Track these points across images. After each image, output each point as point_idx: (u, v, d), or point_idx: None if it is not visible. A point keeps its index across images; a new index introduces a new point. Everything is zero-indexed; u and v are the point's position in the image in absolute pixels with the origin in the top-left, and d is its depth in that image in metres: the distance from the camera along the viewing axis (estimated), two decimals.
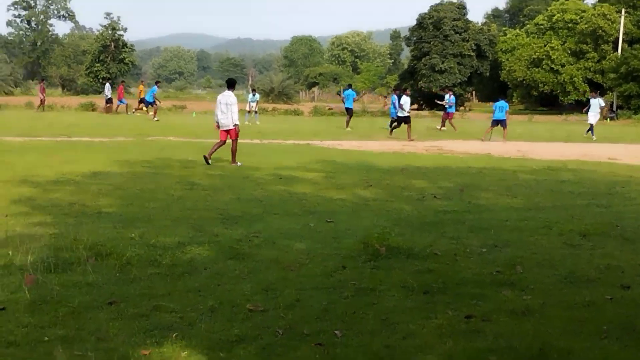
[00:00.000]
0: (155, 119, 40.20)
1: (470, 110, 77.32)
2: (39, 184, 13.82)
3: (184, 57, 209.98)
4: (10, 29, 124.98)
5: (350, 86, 43.13)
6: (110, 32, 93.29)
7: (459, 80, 79.59)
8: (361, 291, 7.09)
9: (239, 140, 19.09)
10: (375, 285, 7.26)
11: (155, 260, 7.96)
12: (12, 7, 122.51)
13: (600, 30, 71.86)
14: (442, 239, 9.76)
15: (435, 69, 79.48)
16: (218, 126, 19.06)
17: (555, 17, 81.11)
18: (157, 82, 47.13)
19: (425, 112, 64.47)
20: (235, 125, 18.82)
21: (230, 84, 19.59)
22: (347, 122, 37.25)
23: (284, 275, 7.59)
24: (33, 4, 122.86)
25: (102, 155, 19.39)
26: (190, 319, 6.10)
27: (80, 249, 8.15)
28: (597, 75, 72.05)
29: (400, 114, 31.14)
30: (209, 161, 18.20)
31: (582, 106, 73.68)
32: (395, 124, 32.32)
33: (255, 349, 5.48)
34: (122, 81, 56.09)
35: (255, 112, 40.70)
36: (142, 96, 47.16)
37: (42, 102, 47.15)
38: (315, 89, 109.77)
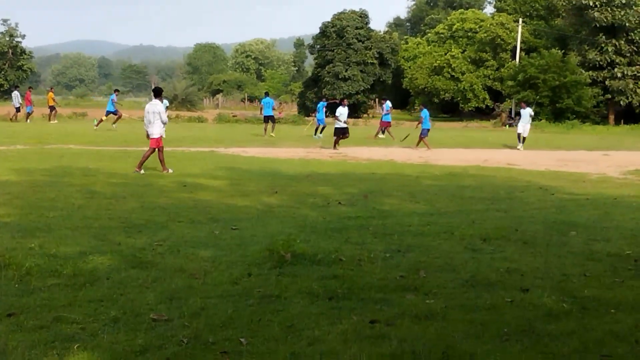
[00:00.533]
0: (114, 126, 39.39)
1: (373, 117, 78.11)
2: None
3: (84, 64, 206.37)
4: None
5: (267, 94, 42.83)
6: (7, 38, 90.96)
7: (362, 88, 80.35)
8: (266, 298, 7.08)
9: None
10: (280, 292, 7.25)
11: (56, 271, 7.77)
12: None
13: (499, 39, 73.70)
14: (346, 244, 9.83)
15: (339, 76, 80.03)
16: (147, 135, 18.94)
17: (455, 26, 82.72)
18: (116, 90, 46.22)
19: (329, 119, 64.77)
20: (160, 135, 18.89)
21: (157, 93, 19.69)
22: (269, 129, 37.31)
23: (188, 284, 7.52)
24: None
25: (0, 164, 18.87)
26: (93, 330, 5.98)
27: None
28: (496, 83, 73.78)
29: (337, 125, 30.06)
30: (142, 171, 18.08)
31: (481, 113, 75.55)
32: (336, 137, 31.01)
33: (159, 358, 5.41)
34: (30, 87, 54.90)
35: None
36: (50, 104, 46.85)
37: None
38: (219, 96, 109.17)
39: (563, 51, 65.67)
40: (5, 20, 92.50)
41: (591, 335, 6.21)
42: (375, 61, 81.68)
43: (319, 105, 37.59)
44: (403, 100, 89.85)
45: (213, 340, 5.81)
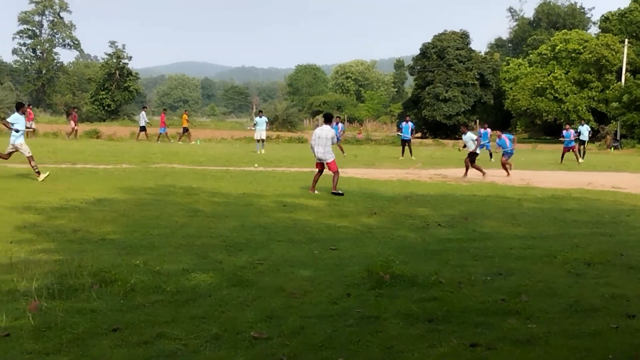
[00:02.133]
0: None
1: None
2: (43, 210, 13.83)
3: (188, 85, 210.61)
4: (16, 57, 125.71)
5: (406, 117, 42.22)
6: (115, 60, 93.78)
7: (463, 109, 79.74)
8: (365, 319, 7.07)
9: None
10: (379, 313, 7.23)
11: (159, 287, 7.94)
12: (17, 36, 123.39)
13: (604, 60, 72.22)
14: (446, 266, 9.74)
15: (439, 97, 79.69)
16: (319, 160, 19.25)
17: (558, 47, 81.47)
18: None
19: (429, 140, 64.57)
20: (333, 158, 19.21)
21: (328, 119, 20.01)
22: (407, 152, 38.09)
23: (287, 303, 7.57)
24: (38, 33, 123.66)
25: (105, 182, 19.41)
26: (194, 346, 6.08)
27: (84, 276, 8.15)
28: (601, 105, 72.30)
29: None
30: (316, 191, 18.78)
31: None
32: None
33: None
34: (164, 109, 56.86)
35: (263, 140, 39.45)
36: (184, 125, 49.22)
37: (74, 130, 47.91)
38: (319, 117, 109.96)
39: None
40: (112, 43, 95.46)
41: None
42: (476, 82, 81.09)
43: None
44: (505, 122, 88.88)
45: None
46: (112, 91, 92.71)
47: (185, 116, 51.69)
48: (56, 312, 6.87)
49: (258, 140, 39.15)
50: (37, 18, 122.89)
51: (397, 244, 11.58)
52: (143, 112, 49.87)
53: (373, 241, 11.78)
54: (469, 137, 27.26)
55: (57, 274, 8.34)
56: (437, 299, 7.89)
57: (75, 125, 47.78)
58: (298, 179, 23.16)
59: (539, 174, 30.00)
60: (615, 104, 65.39)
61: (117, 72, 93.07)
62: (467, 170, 26.97)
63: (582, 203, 18.61)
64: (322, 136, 18.96)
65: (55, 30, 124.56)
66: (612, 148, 60.81)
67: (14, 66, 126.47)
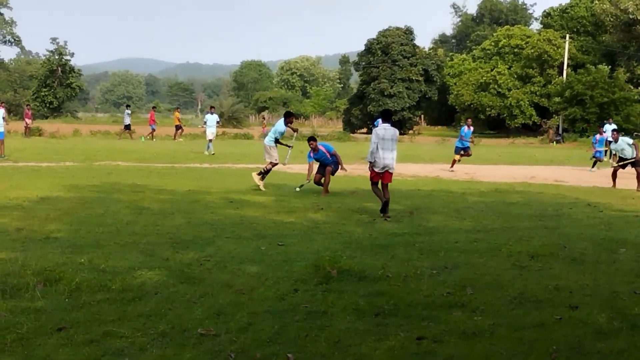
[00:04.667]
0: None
1: (419, 133, 77.98)
2: None
3: (132, 81, 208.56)
4: None
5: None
6: (57, 57, 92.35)
7: (408, 105, 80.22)
8: (313, 314, 7.09)
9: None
10: (327, 308, 7.26)
11: (105, 285, 7.86)
12: None
13: (546, 55, 73.25)
14: (393, 261, 9.81)
15: (384, 93, 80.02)
16: (383, 169, 14.78)
17: (501, 43, 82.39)
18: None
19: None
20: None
21: (388, 116, 15.40)
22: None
23: (235, 299, 7.56)
24: None
25: (49, 180, 19.13)
26: (141, 344, 6.04)
27: (28, 275, 8.05)
28: (543, 99, 73.31)
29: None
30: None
31: (528, 130, 74.97)
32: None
33: None
34: (154, 107, 56.14)
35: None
36: (176, 123, 49.02)
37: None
38: (265, 113, 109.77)
39: (611, 67, 65.08)
40: (54, 39, 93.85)
41: None
42: (420, 78, 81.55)
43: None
44: (449, 117, 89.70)
45: (260, 356, 5.84)
46: (55, 88, 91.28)
47: (177, 114, 51.94)
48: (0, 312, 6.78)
49: (210, 140, 35.65)
50: None
51: (344, 239, 11.62)
52: (127, 111, 49.46)
53: (320, 236, 11.80)
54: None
55: (0, 273, 8.21)
56: (384, 293, 7.95)
57: (30, 122, 47.23)
58: (245, 175, 23.07)
59: (482, 168, 30.34)
60: (557, 99, 66.37)
61: (59, 69, 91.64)
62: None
63: (525, 196, 18.87)
64: (388, 137, 14.73)
65: None
66: (555, 142, 61.74)
67: None
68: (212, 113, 37.55)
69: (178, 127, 48.40)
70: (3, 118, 28.51)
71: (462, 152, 29.10)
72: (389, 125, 14.95)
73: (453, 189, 20.46)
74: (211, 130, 35.97)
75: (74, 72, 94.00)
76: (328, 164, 18.75)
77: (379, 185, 14.94)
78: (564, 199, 18.65)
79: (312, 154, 19.06)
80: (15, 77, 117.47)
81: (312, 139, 19.35)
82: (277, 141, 19.45)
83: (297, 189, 18.80)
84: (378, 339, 6.37)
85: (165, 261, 9.34)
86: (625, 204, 17.95)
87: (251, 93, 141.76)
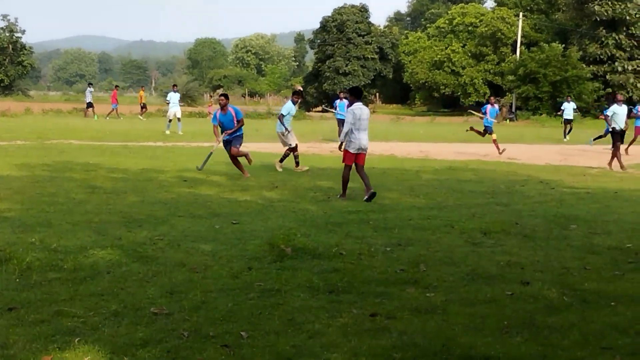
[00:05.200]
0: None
1: (374, 111, 78.10)
2: None
3: (84, 59, 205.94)
4: None
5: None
6: (7, 34, 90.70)
7: (363, 83, 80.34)
8: (267, 292, 7.09)
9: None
10: (281, 286, 7.25)
11: (57, 265, 7.79)
12: None
13: (500, 33, 73.72)
14: (347, 238, 9.83)
15: (339, 71, 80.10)
16: (359, 150, 14.22)
17: (455, 21, 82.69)
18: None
19: (329, 114, 64.77)
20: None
21: (359, 94, 14.56)
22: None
23: (189, 278, 7.53)
24: None
25: (0, 159, 18.85)
26: (94, 324, 5.99)
27: None
28: (497, 77, 73.87)
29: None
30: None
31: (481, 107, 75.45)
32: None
33: (160, 352, 5.42)
34: (116, 86, 55.37)
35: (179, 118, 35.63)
36: (143, 101, 49.21)
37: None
38: (219, 91, 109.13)
39: (564, 45, 65.70)
40: (4, 16, 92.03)
41: (591, 328, 6.23)
42: (375, 56, 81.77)
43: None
44: (404, 95, 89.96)
45: (214, 334, 5.82)
46: (5, 66, 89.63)
47: (142, 92, 52.24)
48: None
49: (170, 120, 34.54)
50: None
51: (299, 216, 11.63)
52: (89, 89, 48.82)
53: (275, 214, 11.79)
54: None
55: None
56: (338, 270, 7.97)
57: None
58: (199, 153, 22.93)
59: (437, 146, 30.51)
60: (510, 77, 66.85)
61: (10, 46, 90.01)
62: None
63: (478, 174, 19.03)
64: (364, 117, 14.06)
65: None
66: (508, 120, 62.26)
67: None
68: (175, 91, 36.53)
69: (143, 106, 48.05)
70: None
71: (484, 130, 28.40)
72: (361, 104, 14.24)
73: (407, 166, 20.55)
74: (174, 110, 34.81)
75: (25, 49, 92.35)
76: (229, 129, 17.05)
77: (352, 168, 14.18)
78: (516, 176, 18.85)
79: (218, 114, 17.18)
80: None
81: (224, 95, 17.72)
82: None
83: (200, 167, 17.75)
84: (331, 316, 6.38)
85: (118, 240, 9.27)
86: (577, 181, 18.18)
87: (205, 71, 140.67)
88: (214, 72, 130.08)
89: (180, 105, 35.65)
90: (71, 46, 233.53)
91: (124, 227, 10.27)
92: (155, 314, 6.28)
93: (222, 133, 17.18)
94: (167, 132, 33.53)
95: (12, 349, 5.36)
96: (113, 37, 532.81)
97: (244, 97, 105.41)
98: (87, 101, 48.07)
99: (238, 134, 17.29)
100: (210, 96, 79.35)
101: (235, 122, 17.07)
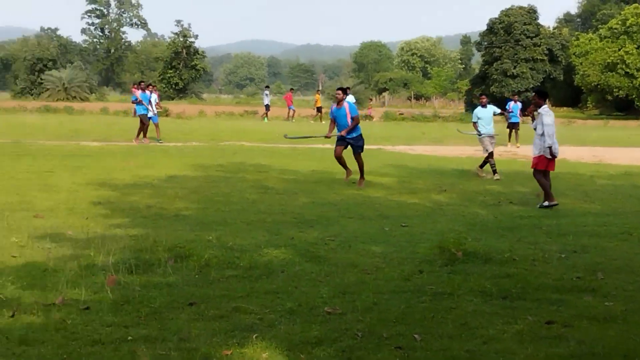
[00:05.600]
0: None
1: None
2: (117, 187, 14.08)
3: (254, 63, 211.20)
4: (85, 37, 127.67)
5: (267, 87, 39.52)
6: (181, 39, 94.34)
7: (532, 85, 78.51)
8: (439, 295, 7.04)
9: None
10: (453, 290, 7.19)
11: (233, 263, 8.02)
12: (86, 16, 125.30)
13: None
14: (519, 244, 9.64)
15: (507, 73, 78.57)
16: (553, 156, 13.61)
17: (629, 21, 79.44)
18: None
19: (497, 117, 63.74)
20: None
21: (546, 96, 14.77)
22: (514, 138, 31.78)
23: (360, 279, 7.58)
24: (106, 12, 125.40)
25: (177, 160, 19.66)
26: (270, 321, 6.14)
27: (159, 251, 8.28)
28: None
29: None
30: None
31: None
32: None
33: (334, 351, 5.48)
34: (291, 89, 57.08)
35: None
36: (318, 105, 49.40)
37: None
38: (385, 94, 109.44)
39: None
40: (179, 22, 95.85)
41: None
42: (545, 58, 79.65)
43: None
44: (575, 98, 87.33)
45: (387, 335, 5.84)
46: (180, 70, 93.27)
47: (317, 96, 52.37)
48: (134, 286, 7.00)
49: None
50: None
51: (469, 220, 11.51)
52: (267, 91, 50.42)
53: (444, 218, 11.73)
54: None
55: (133, 249, 8.50)
56: (511, 276, 7.82)
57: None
58: (366, 156, 23.05)
59: (611, 150, 29.44)
60: None
61: (184, 50, 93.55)
62: None
63: None
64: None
65: (122, 10, 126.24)
66: None
67: (83, 45, 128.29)
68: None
69: (319, 109, 48.67)
70: (157, 102, 28.34)
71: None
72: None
73: (580, 171, 19.94)
74: None
75: (198, 53, 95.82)
76: (341, 126, 16.06)
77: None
78: None
79: (332, 109, 16.38)
80: (142, 59, 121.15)
81: (341, 89, 16.62)
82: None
83: (289, 136, 18.70)
84: (506, 322, 6.27)
85: (291, 240, 9.45)
86: None
87: (371, 74, 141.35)
88: (379, 75, 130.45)
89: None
90: (241, 50, 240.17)
91: (296, 227, 10.47)
92: (329, 314, 6.37)
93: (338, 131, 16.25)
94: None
95: (194, 343, 5.56)
96: (281, 41, 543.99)
97: (410, 100, 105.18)
98: (265, 103, 49.23)
99: (356, 135, 16.16)
100: (370, 100, 79.35)
101: (349, 119, 16.00)
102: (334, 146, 16.43)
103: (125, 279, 7.21)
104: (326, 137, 16.99)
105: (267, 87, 53.76)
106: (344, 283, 7.41)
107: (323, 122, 46.59)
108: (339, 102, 16.06)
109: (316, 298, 6.84)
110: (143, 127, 25.92)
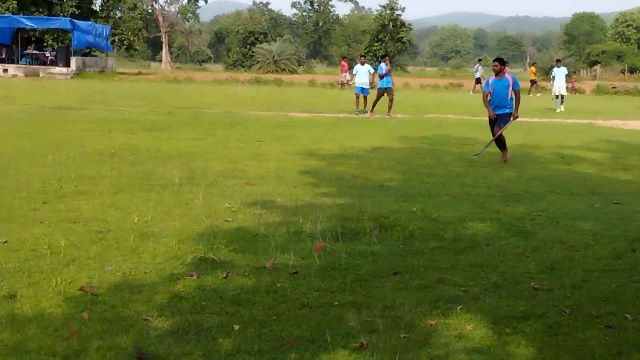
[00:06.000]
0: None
1: None
2: (324, 157, 14.39)
3: (460, 35, 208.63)
4: (295, 11, 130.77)
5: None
6: (388, 12, 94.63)
7: None
8: None
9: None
10: None
11: (437, 234, 8.02)
12: None
13: None
14: None
15: None
16: None
17: None
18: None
19: None
20: None
21: None
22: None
23: (568, 255, 7.39)
24: None
25: (382, 131, 19.84)
26: (474, 293, 6.10)
27: (364, 220, 8.39)
28: None
29: None
30: None
31: None
32: None
33: (541, 326, 5.38)
34: (534, 63, 56.58)
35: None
36: (532, 78, 48.30)
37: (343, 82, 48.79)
38: (597, 67, 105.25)
39: None
40: None
41: None
42: None
43: None
44: None
45: (596, 314, 5.67)
46: (386, 42, 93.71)
47: (532, 69, 50.83)
48: (340, 253, 7.15)
49: (557, 96, 33.00)
50: None
51: None
52: (478, 65, 50.16)
53: None
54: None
55: (339, 217, 8.65)
56: None
57: (345, 75, 48.61)
58: (576, 130, 22.40)
59: None
60: None
61: (391, 23, 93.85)
62: None
63: None
64: None
65: None
66: None
67: (292, 19, 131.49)
68: (558, 67, 35.04)
69: (533, 82, 47.50)
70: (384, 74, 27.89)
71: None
72: None
73: None
74: (559, 85, 33.39)
75: (405, 26, 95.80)
76: (501, 101, 14.53)
77: None
78: None
79: (490, 81, 14.71)
80: (349, 32, 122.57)
81: (499, 59, 14.83)
82: None
83: (477, 153, 15.12)
84: None
85: (496, 214, 9.32)
86: None
87: (583, 46, 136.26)
88: (591, 47, 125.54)
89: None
90: (447, 23, 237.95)
91: (501, 201, 10.32)
92: (536, 289, 6.25)
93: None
94: (558, 109, 32.04)
95: (399, 311, 5.62)
96: (489, 13, 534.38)
97: (623, 72, 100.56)
98: (476, 77, 48.57)
99: (509, 111, 14.57)
100: (574, 73, 76.21)
101: (510, 91, 14.46)
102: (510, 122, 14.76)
103: (331, 246, 7.37)
104: (491, 118, 14.85)
105: (480, 60, 53.01)
106: (551, 259, 7.24)
107: (538, 94, 45.33)
108: (498, 73, 14.56)
109: (522, 273, 6.73)
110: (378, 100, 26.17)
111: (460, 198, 10.44)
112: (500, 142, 14.58)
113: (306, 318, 5.44)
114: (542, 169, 13.84)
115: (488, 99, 14.61)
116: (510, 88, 14.39)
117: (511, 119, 14.56)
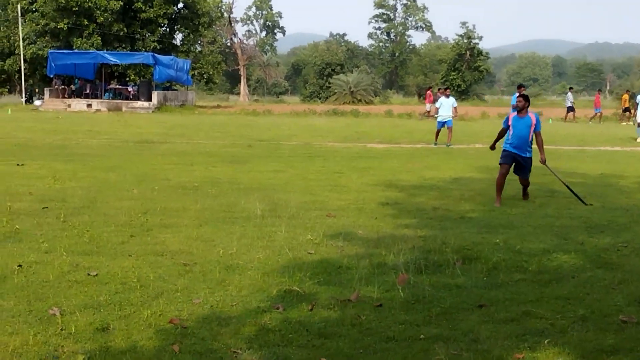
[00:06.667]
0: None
1: None
2: (403, 188, 14.41)
3: (538, 63, 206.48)
4: (371, 41, 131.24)
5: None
6: (465, 40, 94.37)
7: None
8: None
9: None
10: None
11: (521, 266, 7.98)
12: (373, 21, 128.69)
13: None
14: None
15: None
16: None
17: None
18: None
19: None
20: None
21: None
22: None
23: None
24: (393, 17, 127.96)
25: (461, 161, 19.78)
26: (561, 327, 6.05)
27: (447, 252, 8.40)
28: None
29: None
30: None
31: None
32: None
33: None
34: (599, 90, 56.11)
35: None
36: (625, 105, 46.86)
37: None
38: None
39: None
40: (463, 23, 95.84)
41: None
42: None
43: None
44: None
45: None
46: (463, 71, 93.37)
47: (625, 96, 48.67)
48: (423, 286, 7.16)
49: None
50: (391, 2, 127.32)
51: None
52: (569, 93, 49.75)
53: None
54: None
55: (421, 249, 8.67)
56: None
57: (430, 106, 48.44)
58: None
59: None
60: None
61: (468, 52, 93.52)
62: None
63: None
64: None
65: (408, 14, 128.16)
66: None
67: (369, 50, 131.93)
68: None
69: (626, 110, 46.43)
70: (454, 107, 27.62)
71: None
72: None
73: None
74: None
75: (482, 55, 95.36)
76: (520, 140, 13.30)
77: None
78: None
79: (511, 117, 13.54)
80: (425, 62, 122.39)
81: (524, 96, 13.49)
82: None
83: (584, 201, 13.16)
84: None
85: (580, 245, 9.20)
86: None
87: None
88: None
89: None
90: (525, 50, 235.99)
91: (585, 232, 10.17)
92: (624, 322, 6.16)
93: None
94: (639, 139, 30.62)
95: (485, 344, 5.60)
96: (568, 40, 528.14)
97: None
98: (567, 105, 48.08)
99: (530, 155, 13.41)
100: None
101: (532, 132, 13.26)
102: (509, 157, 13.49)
103: (415, 279, 7.39)
104: (491, 148, 14.39)
105: (571, 88, 52.53)
106: (639, 291, 7.12)
107: (630, 122, 43.48)
108: (521, 110, 13.35)
109: (610, 305, 6.65)
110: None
111: (544, 229, 10.32)
112: (526, 186, 13.64)
113: (392, 351, 5.47)
114: (627, 198, 13.62)
115: (507, 137, 13.52)
116: (532, 129, 13.23)
117: (545, 164, 13.69)
